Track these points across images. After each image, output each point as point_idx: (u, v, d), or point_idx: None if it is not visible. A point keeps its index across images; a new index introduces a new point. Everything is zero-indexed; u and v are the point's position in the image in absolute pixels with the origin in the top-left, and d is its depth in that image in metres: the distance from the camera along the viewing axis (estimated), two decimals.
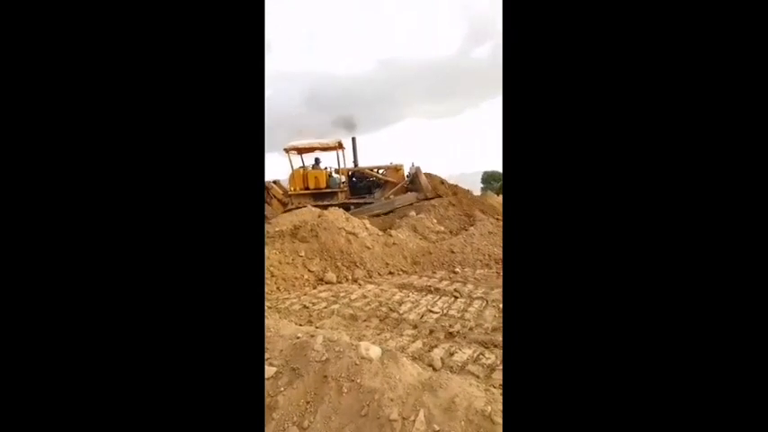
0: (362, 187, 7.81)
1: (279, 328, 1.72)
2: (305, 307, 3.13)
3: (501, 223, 5.18)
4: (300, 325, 2.25)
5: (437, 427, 1.16)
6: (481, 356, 2.07)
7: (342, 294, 3.44)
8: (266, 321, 1.79)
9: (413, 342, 2.33)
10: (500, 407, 1.20)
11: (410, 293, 3.38)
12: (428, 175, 7.16)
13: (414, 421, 1.18)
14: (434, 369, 1.92)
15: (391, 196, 7.15)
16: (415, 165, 7.37)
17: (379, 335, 2.49)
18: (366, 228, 4.74)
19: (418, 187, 6.96)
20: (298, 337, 1.60)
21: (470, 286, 3.49)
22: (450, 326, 2.53)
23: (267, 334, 1.67)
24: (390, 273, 4.17)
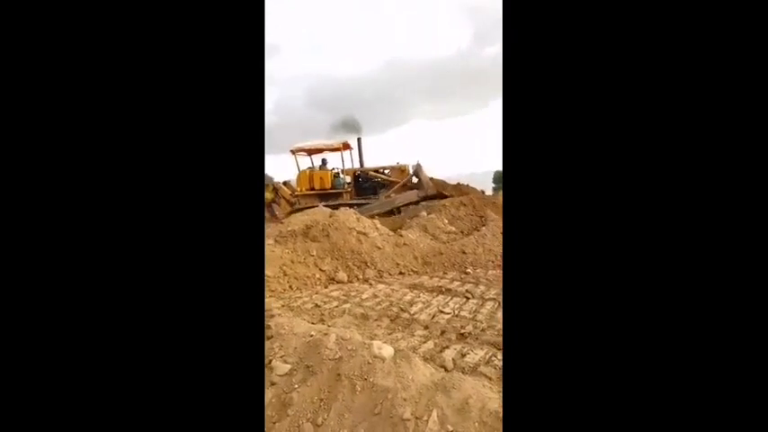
0: (368, 188, 7.84)
1: (293, 326, 1.74)
2: (317, 306, 3.15)
3: None
4: (313, 323, 2.28)
5: (450, 428, 1.16)
6: (494, 358, 2.06)
7: (353, 294, 3.46)
8: (280, 319, 1.81)
9: (424, 342, 2.33)
10: None
11: (421, 294, 3.38)
12: (432, 180, 7.12)
13: (427, 421, 1.19)
14: (446, 370, 1.92)
15: (392, 195, 7.12)
16: (418, 162, 7.37)
17: (390, 335, 2.50)
18: (377, 228, 4.75)
19: (419, 184, 6.93)
20: (311, 335, 1.62)
21: (482, 287, 3.47)
22: (462, 327, 2.52)
23: (281, 332, 1.70)
24: (401, 273, 4.17)
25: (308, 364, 1.48)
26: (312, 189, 7.81)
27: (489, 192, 8.79)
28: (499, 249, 4.52)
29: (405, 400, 1.27)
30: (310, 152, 8.18)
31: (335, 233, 4.28)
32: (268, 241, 4.08)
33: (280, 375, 1.45)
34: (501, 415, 1.18)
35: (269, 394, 1.41)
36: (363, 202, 7.25)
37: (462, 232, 5.37)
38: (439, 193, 6.86)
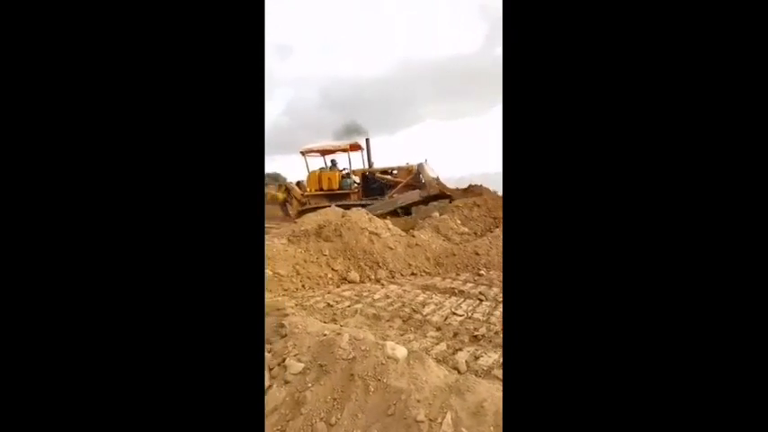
0: (376, 188, 7.85)
1: (306, 325, 1.75)
2: (329, 305, 3.16)
3: None
4: (325, 323, 2.28)
5: (465, 431, 1.15)
6: None
7: (365, 294, 3.46)
8: (294, 318, 1.82)
9: (437, 344, 2.32)
10: None
11: (433, 295, 3.36)
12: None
13: (441, 423, 1.18)
14: (459, 372, 1.90)
15: (394, 195, 7.10)
16: (425, 161, 7.33)
17: (402, 335, 2.49)
18: (389, 228, 4.74)
19: (421, 184, 6.88)
20: (324, 335, 1.63)
21: (496, 289, 3.43)
22: (476, 329, 2.50)
23: (294, 330, 1.71)
24: (413, 274, 4.16)
25: (321, 363, 1.49)
26: (321, 189, 7.90)
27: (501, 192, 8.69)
28: None
29: (418, 401, 1.26)
30: (324, 153, 8.27)
31: (348, 233, 4.29)
32: (281, 240, 4.12)
33: (293, 374, 1.46)
34: None
35: (282, 392, 1.42)
36: (369, 202, 7.27)
37: (475, 233, 5.32)
38: (441, 192, 6.81)
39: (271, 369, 1.52)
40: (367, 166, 8.16)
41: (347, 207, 5.55)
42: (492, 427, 1.14)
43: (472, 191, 6.88)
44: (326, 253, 4.07)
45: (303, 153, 8.19)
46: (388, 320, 2.78)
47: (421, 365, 1.43)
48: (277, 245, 3.94)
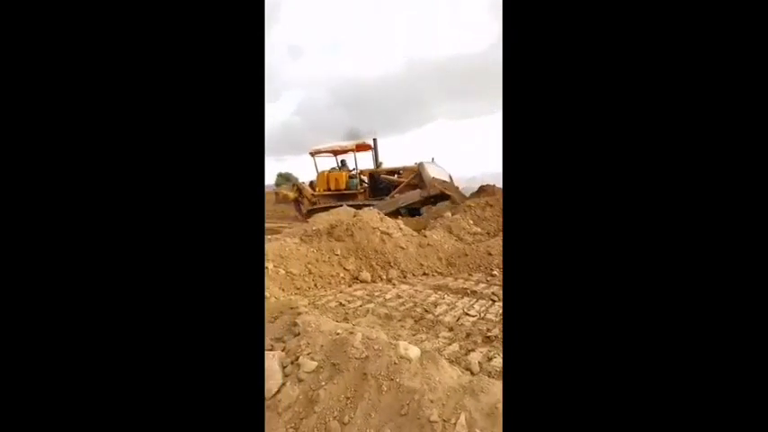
0: (383, 188, 7.87)
1: (319, 323, 1.76)
2: (341, 304, 3.18)
3: None
4: (337, 322, 2.29)
5: None
6: None
7: (376, 293, 3.46)
8: (307, 317, 1.84)
9: (449, 345, 2.30)
10: None
11: (445, 295, 3.34)
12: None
13: (455, 424, 1.17)
14: (472, 373, 1.88)
15: (396, 195, 7.09)
16: (431, 160, 7.30)
17: (414, 335, 2.48)
18: (400, 228, 4.74)
19: (422, 184, 6.86)
20: (337, 334, 1.63)
21: None
22: (489, 330, 2.48)
23: (308, 329, 1.72)
24: (425, 274, 4.14)
25: (334, 362, 1.49)
26: (329, 189, 7.98)
27: None
28: None
29: (432, 402, 1.25)
30: (335, 153, 8.34)
31: (359, 233, 4.30)
32: (293, 240, 4.15)
33: (307, 372, 1.47)
34: None
35: (296, 390, 1.43)
36: (372, 202, 7.28)
37: (488, 233, 5.27)
38: (441, 192, 6.77)
39: (284, 367, 1.53)
40: (374, 167, 8.20)
41: (358, 207, 5.57)
42: None
43: (485, 190, 6.82)
44: (338, 252, 4.09)
45: (312, 154, 8.29)
46: (399, 320, 2.77)
47: (434, 366, 1.42)
48: (290, 244, 3.97)
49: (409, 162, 7.99)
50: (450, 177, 7.86)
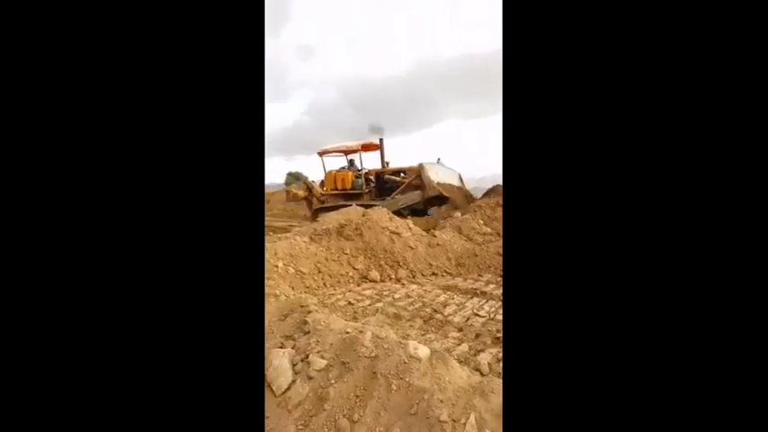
0: (388, 188, 7.86)
1: (329, 322, 1.76)
2: (350, 303, 3.19)
3: None
4: (346, 321, 2.30)
5: None
6: None
7: (385, 293, 3.46)
8: (317, 315, 1.85)
9: (458, 345, 2.30)
10: None
11: (455, 295, 3.33)
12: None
13: (464, 424, 1.16)
14: (481, 374, 1.87)
15: (396, 196, 7.08)
16: (437, 161, 7.27)
17: (423, 335, 2.48)
18: (410, 228, 4.73)
19: (422, 185, 6.83)
20: (347, 332, 1.64)
21: None
22: (498, 331, 2.46)
23: (318, 327, 1.73)
24: (434, 274, 4.13)
25: (344, 360, 1.50)
26: (336, 189, 8.03)
27: None
28: None
29: (441, 401, 1.25)
30: (346, 152, 8.39)
31: (368, 232, 4.31)
32: (303, 239, 4.18)
33: (317, 370, 1.48)
34: None
35: (306, 388, 1.44)
36: (375, 202, 7.28)
37: (498, 234, 5.23)
38: (440, 194, 6.74)
39: (294, 365, 1.54)
40: (381, 167, 8.21)
41: (363, 207, 5.59)
42: None
43: (495, 191, 6.77)
44: (347, 251, 4.10)
45: (320, 154, 8.37)
46: (408, 320, 2.77)
47: (444, 365, 1.41)
48: (299, 243, 3.99)
49: (416, 162, 7.97)
50: (460, 177, 7.81)
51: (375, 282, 3.86)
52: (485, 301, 3.15)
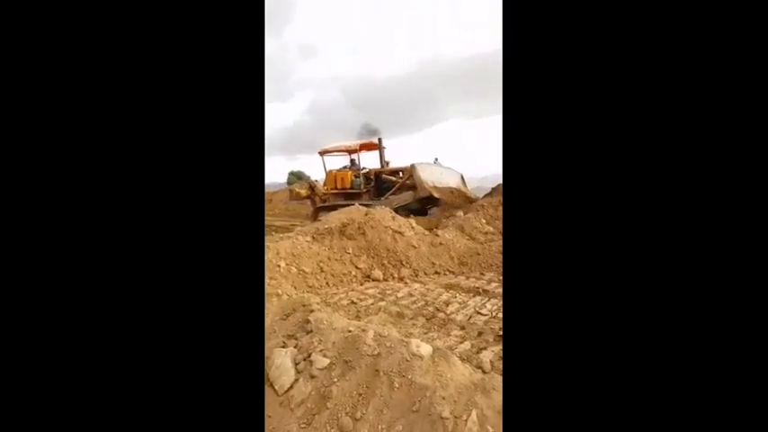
0: (386, 188, 7.86)
1: (331, 321, 1.77)
2: (352, 302, 3.20)
3: None
4: (349, 319, 2.31)
5: (491, 429, 1.13)
6: None
7: (388, 292, 3.47)
8: (319, 314, 1.85)
9: (460, 343, 2.30)
10: None
11: (457, 294, 3.33)
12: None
13: (466, 421, 1.17)
14: (483, 371, 1.87)
15: (390, 196, 7.09)
16: (435, 161, 7.28)
17: (425, 334, 2.48)
18: (412, 227, 4.73)
19: (414, 185, 6.85)
20: (350, 331, 1.64)
21: None
22: (501, 329, 2.46)
23: (320, 326, 1.74)
24: (437, 272, 4.14)
25: (346, 359, 1.51)
26: (336, 188, 8.06)
27: None
28: None
29: (443, 398, 1.25)
30: (349, 152, 8.41)
31: (371, 231, 4.31)
32: (306, 238, 4.19)
33: (319, 369, 1.49)
34: None
35: (309, 387, 1.45)
36: (371, 202, 7.28)
37: (501, 233, 5.22)
38: (431, 195, 6.75)
39: (297, 364, 1.55)
40: (380, 166, 8.22)
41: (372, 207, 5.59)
42: None
43: (498, 190, 6.77)
44: (350, 251, 4.11)
45: (321, 154, 8.40)
46: (411, 318, 2.77)
47: (446, 363, 1.42)
48: (302, 242, 4.01)
49: (417, 162, 7.98)
50: (462, 178, 7.80)
51: (378, 281, 3.87)
52: (487, 299, 3.16)
